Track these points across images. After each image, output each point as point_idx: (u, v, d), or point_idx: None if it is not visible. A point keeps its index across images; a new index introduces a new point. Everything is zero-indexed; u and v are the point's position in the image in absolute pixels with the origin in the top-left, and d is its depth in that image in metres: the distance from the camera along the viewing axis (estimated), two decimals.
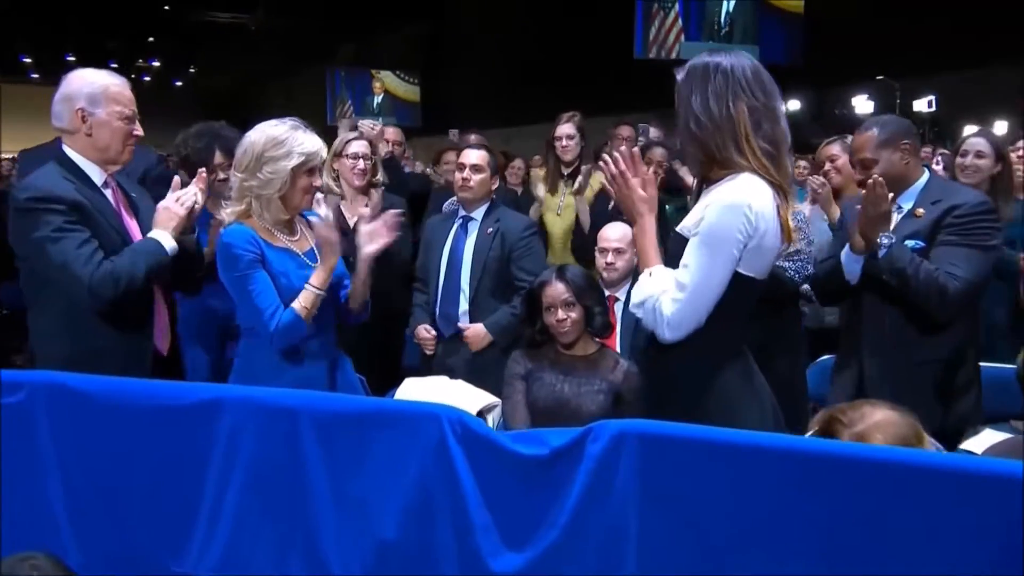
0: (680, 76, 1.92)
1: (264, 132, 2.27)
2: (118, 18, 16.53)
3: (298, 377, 2.23)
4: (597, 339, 2.69)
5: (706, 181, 1.97)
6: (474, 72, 16.48)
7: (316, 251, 2.35)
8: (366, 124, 4.18)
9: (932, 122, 11.63)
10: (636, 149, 2.00)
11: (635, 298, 1.96)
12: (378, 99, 18.13)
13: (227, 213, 2.31)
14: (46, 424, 1.93)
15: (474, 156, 3.32)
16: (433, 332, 3.31)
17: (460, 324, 3.26)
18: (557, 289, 2.64)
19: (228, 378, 2.35)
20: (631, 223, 2.00)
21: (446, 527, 1.72)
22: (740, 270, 1.87)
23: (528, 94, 15.06)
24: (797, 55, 12.16)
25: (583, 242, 3.82)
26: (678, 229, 1.96)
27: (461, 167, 3.32)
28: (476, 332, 3.24)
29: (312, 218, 2.31)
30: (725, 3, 12.45)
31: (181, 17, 17.69)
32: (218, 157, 2.97)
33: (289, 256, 2.30)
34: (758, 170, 1.86)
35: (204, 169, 2.53)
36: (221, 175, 2.91)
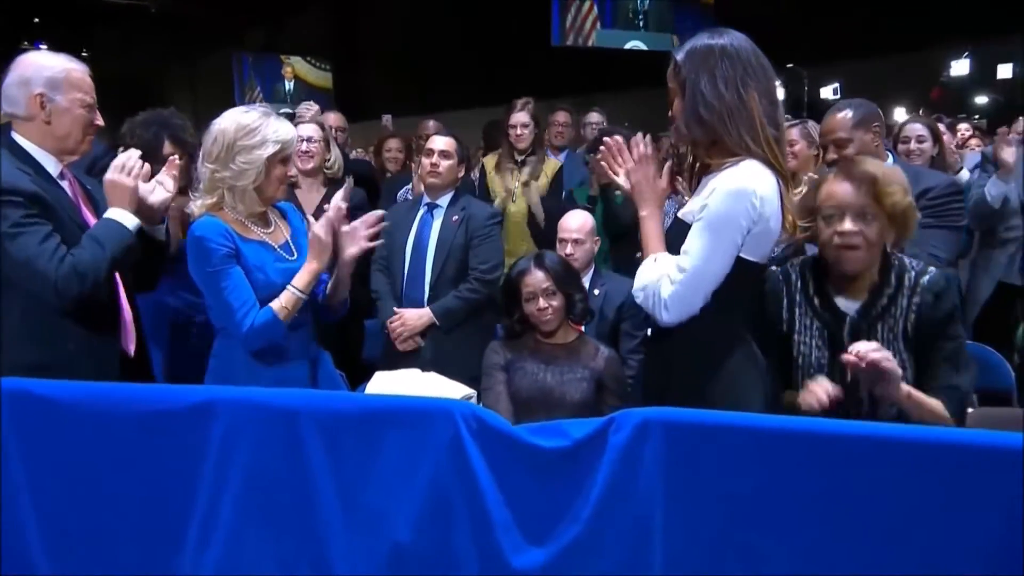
0: (679, 57, 1.90)
1: (235, 120, 2.15)
2: None
3: (278, 377, 2.12)
4: (575, 326, 2.66)
5: (704, 168, 1.96)
6: (388, 58, 16.20)
7: (291, 244, 2.24)
8: (304, 107, 4.04)
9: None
10: (650, 141, 1.98)
11: (637, 283, 1.95)
12: (289, 85, 17.69)
13: (197, 206, 2.17)
14: (13, 438, 1.78)
15: (442, 142, 3.25)
16: (403, 311, 3.20)
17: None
18: (536, 277, 2.60)
19: (203, 380, 2.21)
20: (638, 209, 1.98)
21: (464, 527, 1.66)
22: (743, 255, 1.87)
23: (444, 81, 14.92)
24: None
25: (538, 231, 3.79)
26: (680, 215, 1.95)
27: (429, 153, 3.24)
28: (415, 314, 3.17)
29: (310, 218, 2.21)
30: None
31: None
32: (167, 147, 2.80)
33: (264, 249, 2.18)
34: (768, 157, 1.86)
35: (175, 156, 2.37)
36: (178, 160, 2.73)
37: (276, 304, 2.12)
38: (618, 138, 2.08)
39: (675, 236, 1.93)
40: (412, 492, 1.70)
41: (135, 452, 1.77)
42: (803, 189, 2.04)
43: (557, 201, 3.86)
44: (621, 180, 2.05)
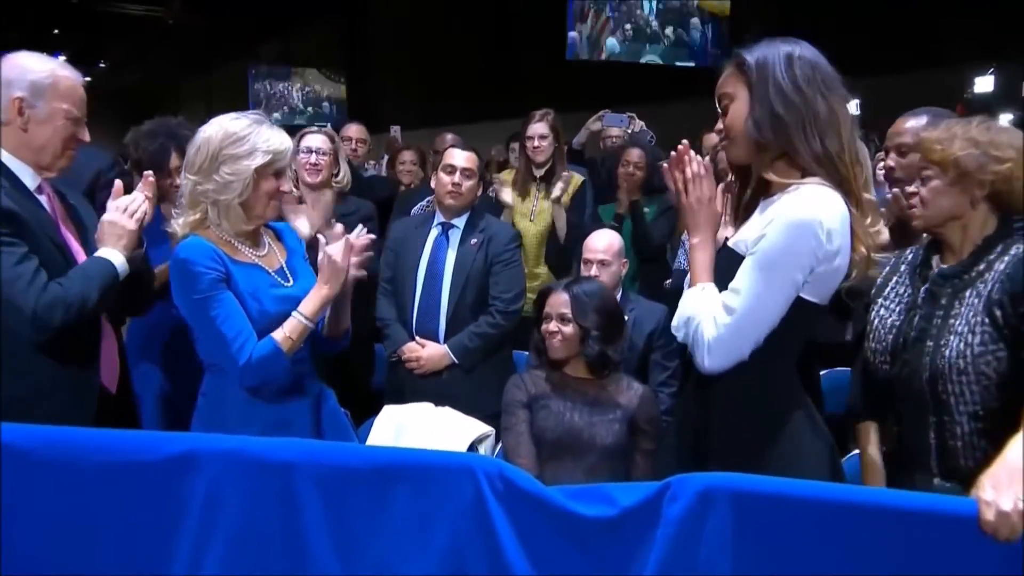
0: (751, 56, 1.62)
1: (222, 127, 1.89)
2: (20, 7, 15.38)
3: (277, 418, 1.86)
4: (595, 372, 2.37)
5: (763, 190, 1.68)
6: (401, 70, 16.01)
7: (285, 269, 1.97)
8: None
9: (859, 124, 11.79)
10: (707, 160, 1.70)
11: (678, 317, 1.66)
12: (301, 96, 17.54)
13: (179, 224, 1.91)
14: None
15: (464, 159, 2.93)
16: (425, 344, 2.91)
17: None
18: (559, 299, 2.34)
19: (190, 421, 1.95)
20: (690, 234, 1.70)
21: None
22: (804, 295, 1.58)
23: (455, 93, 14.70)
24: (723, 57, 12.26)
25: (558, 251, 3.51)
26: (731, 244, 1.66)
27: (450, 170, 2.92)
28: (435, 352, 2.89)
29: (320, 236, 1.93)
30: (654, 4, 12.48)
31: (90, 8, 16.62)
32: (175, 159, 2.55)
33: (257, 273, 1.92)
34: (845, 177, 1.58)
35: (150, 172, 2.12)
36: (178, 180, 2.49)
37: (279, 334, 1.86)
38: (715, 139, 1.82)
39: (724, 268, 1.64)
40: (424, 562, 1.44)
41: (106, 507, 1.51)
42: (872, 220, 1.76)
43: (579, 218, 3.59)
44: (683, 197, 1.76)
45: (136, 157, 2.69)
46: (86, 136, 2.01)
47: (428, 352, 2.89)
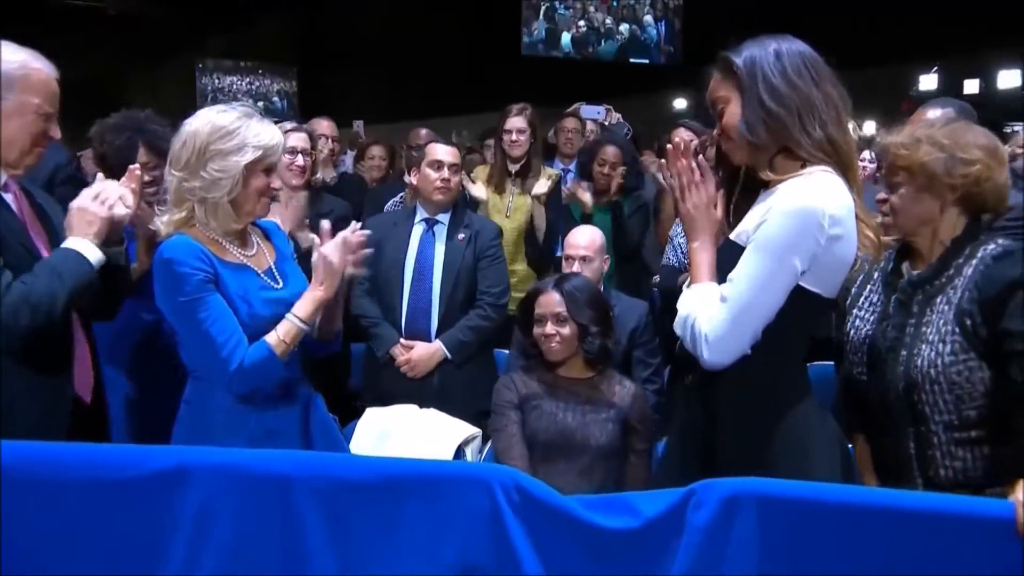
0: (738, 57, 1.58)
1: (209, 121, 1.78)
2: None
3: (266, 426, 1.76)
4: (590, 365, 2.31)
5: (762, 181, 1.64)
6: (354, 65, 15.77)
7: (274, 270, 1.87)
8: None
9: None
10: (703, 160, 1.65)
11: (678, 317, 1.61)
12: (252, 89, 17.16)
13: (163, 222, 1.80)
14: None
15: (449, 154, 2.88)
16: (412, 345, 2.83)
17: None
18: (551, 299, 2.27)
19: (171, 431, 1.84)
20: (689, 239, 1.64)
21: None
22: (805, 285, 1.53)
23: (411, 88, 14.54)
24: (676, 55, 12.35)
25: (538, 249, 3.44)
26: (732, 237, 1.61)
27: (436, 165, 2.85)
28: (425, 351, 2.81)
29: (313, 237, 1.82)
30: (610, 2, 12.51)
31: None
32: (142, 155, 2.40)
33: (247, 275, 1.81)
34: (845, 162, 1.55)
35: (136, 165, 1.99)
36: (146, 176, 2.36)
37: (272, 337, 1.75)
38: (686, 136, 1.76)
39: (726, 261, 1.60)
40: None
41: (91, 526, 1.41)
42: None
43: (556, 213, 3.52)
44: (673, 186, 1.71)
45: (101, 152, 2.54)
46: (57, 133, 1.87)
47: (418, 353, 2.81)
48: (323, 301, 1.80)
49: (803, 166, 1.56)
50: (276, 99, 16.76)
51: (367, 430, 2.40)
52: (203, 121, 1.78)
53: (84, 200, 1.81)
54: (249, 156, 1.76)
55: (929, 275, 1.72)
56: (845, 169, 1.56)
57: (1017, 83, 12.03)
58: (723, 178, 1.71)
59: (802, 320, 1.57)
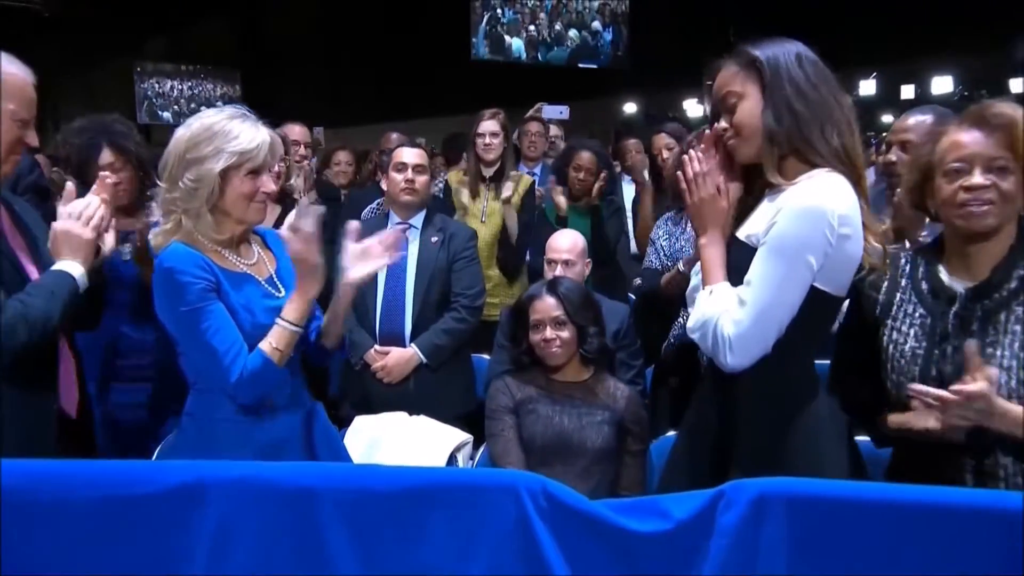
0: (761, 53, 1.60)
1: (190, 127, 1.75)
2: None
3: (271, 437, 1.72)
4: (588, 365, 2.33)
5: (768, 185, 1.66)
6: (299, 68, 15.55)
7: (275, 279, 1.83)
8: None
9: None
10: (701, 153, 1.67)
11: (693, 321, 1.63)
12: (194, 94, 16.78)
13: (155, 235, 1.77)
14: None
15: (414, 155, 2.87)
16: (387, 351, 2.81)
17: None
18: (547, 304, 2.27)
19: (170, 445, 1.79)
20: (698, 234, 1.66)
21: None
22: (816, 284, 1.56)
23: (360, 93, 14.41)
24: (624, 60, 12.49)
25: (510, 253, 3.44)
26: (743, 238, 1.64)
27: (401, 167, 2.85)
28: (401, 356, 2.79)
29: (284, 232, 1.76)
30: (557, 6, 12.58)
31: None
32: (106, 155, 2.35)
33: (249, 283, 1.77)
34: (856, 170, 1.58)
35: (106, 173, 1.94)
36: (111, 178, 2.30)
37: (266, 344, 1.71)
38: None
39: (737, 263, 1.62)
40: None
41: (102, 547, 1.35)
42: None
43: (530, 218, 3.53)
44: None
45: (65, 154, 2.49)
46: (34, 140, 1.81)
47: (393, 359, 2.79)
48: (310, 301, 1.76)
49: (811, 169, 1.59)
50: (220, 103, 16.44)
51: (356, 439, 2.37)
52: (185, 129, 1.76)
53: (66, 223, 1.77)
54: (223, 162, 1.71)
55: (989, 288, 1.58)
56: (855, 177, 1.58)
57: (950, 88, 12.49)
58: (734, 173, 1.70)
59: (814, 319, 1.59)
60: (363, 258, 1.79)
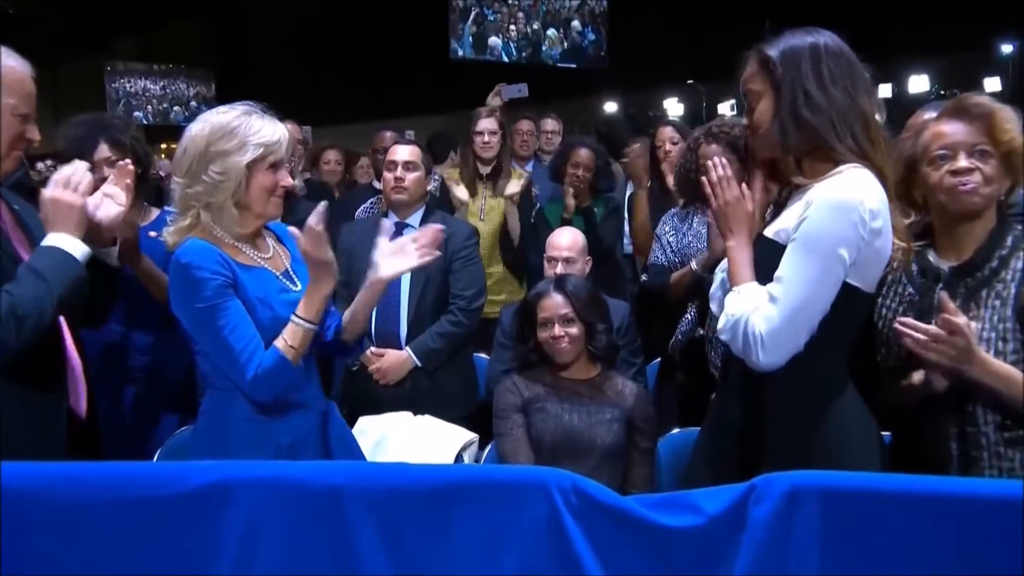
0: (774, 52, 1.61)
1: (208, 122, 1.74)
2: None
3: (290, 438, 1.72)
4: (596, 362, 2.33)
5: (794, 182, 1.68)
6: (274, 69, 15.46)
7: (291, 272, 1.83)
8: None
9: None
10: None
11: (722, 321, 1.63)
12: (164, 95, 16.59)
13: (169, 232, 1.74)
14: None
15: (405, 152, 2.85)
16: (382, 353, 2.80)
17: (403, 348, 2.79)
18: (554, 302, 2.27)
19: (177, 446, 1.77)
20: (725, 237, 1.67)
21: None
22: (850, 281, 1.57)
23: (338, 92, 14.36)
24: (605, 60, 12.53)
25: (513, 249, 3.44)
26: (770, 235, 1.65)
27: (391, 166, 2.84)
28: (396, 359, 2.78)
29: (293, 229, 1.75)
30: (536, 5, 12.59)
31: None
32: (103, 150, 2.33)
33: (266, 277, 1.76)
34: (880, 165, 1.59)
35: (127, 160, 1.92)
36: (106, 172, 2.28)
37: (280, 342, 1.70)
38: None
39: (765, 260, 1.62)
40: None
41: (122, 552, 1.33)
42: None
43: (527, 217, 3.53)
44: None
45: (61, 148, 2.47)
46: (35, 135, 1.78)
47: (388, 361, 2.77)
48: (325, 296, 1.75)
49: (836, 166, 1.59)
50: (194, 104, 16.30)
51: (362, 440, 2.34)
52: (202, 124, 1.74)
53: (55, 190, 1.71)
54: (250, 155, 1.71)
55: (973, 266, 1.69)
56: (881, 173, 1.59)
57: (926, 87, 12.68)
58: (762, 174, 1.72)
59: (846, 316, 1.59)
60: (397, 255, 1.77)
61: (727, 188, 1.66)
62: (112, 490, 1.34)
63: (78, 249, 1.69)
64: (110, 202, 1.82)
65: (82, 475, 1.35)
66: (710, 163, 1.67)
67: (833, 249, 1.53)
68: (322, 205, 1.78)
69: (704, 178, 1.68)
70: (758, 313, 1.56)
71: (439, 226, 1.86)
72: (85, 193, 1.73)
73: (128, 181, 1.83)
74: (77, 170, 1.75)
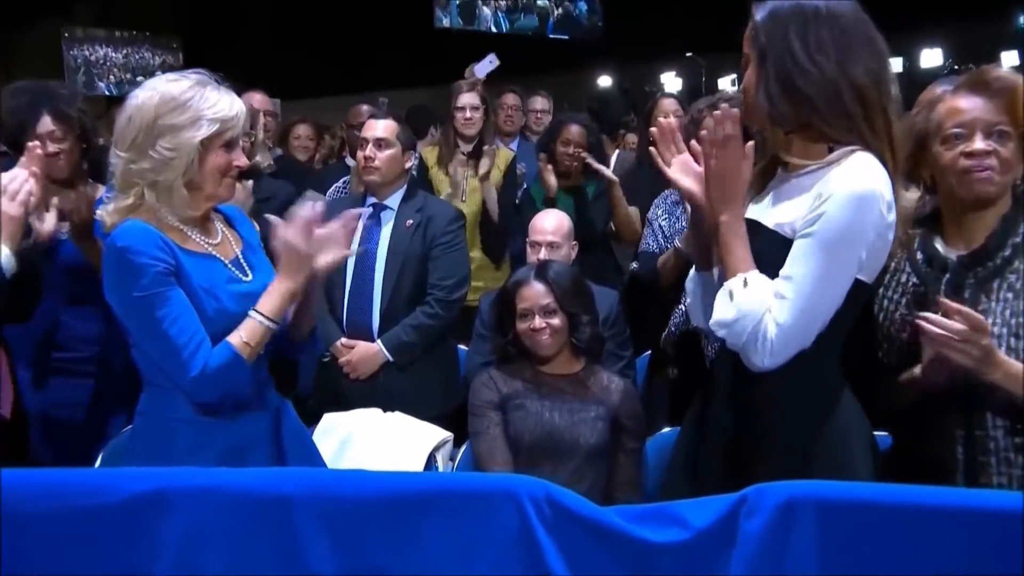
0: (759, 16, 1.54)
1: (157, 91, 1.64)
2: None
3: (235, 439, 1.65)
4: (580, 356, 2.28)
5: (782, 160, 1.60)
6: (246, 36, 15.29)
7: (242, 261, 1.75)
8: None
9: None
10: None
11: (723, 313, 1.51)
12: (127, 64, 16.37)
13: (107, 211, 1.66)
14: None
15: (380, 128, 2.77)
16: (353, 344, 2.74)
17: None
18: (535, 291, 2.21)
19: (118, 448, 1.71)
20: (716, 210, 1.54)
21: None
22: (860, 277, 1.50)
23: (314, 62, 14.22)
24: (599, 29, 12.44)
25: (493, 233, 3.38)
26: (772, 227, 1.56)
27: (363, 143, 2.76)
28: (366, 351, 2.72)
29: (275, 218, 1.68)
30: None
31: None
32: (46, 123, 2.25)
33: (213, 265, 1.69)
34: (883, 148, 1.51)
35: (36, 143, 1.86)
36: (51, 147, 2.21)
37: (235, 338, 1.63)
38: (673, 120, 1.70)
39: (769, 254, 1.52)
40: None
41: (55, 562, 1.28)
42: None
43: (512, 197, 3.47)
44: (674, 174, 1.64)
45: (2, 118, 2.38)
46: None
47: (358, 354, 2.71)
48: (290, 294, 1.68)
49: (830, 150, 1.52)
50: (159, 74, 16.04)
51: (326, 439, 2.30)
52: (150, 93, 1.65)
53: None
54: (204, 131, 1.63)
55: (984, 256, 1.63)
56: (882, 153, 1.50)
57: (939, 62, 12.65)
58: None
59: (846, 309, 1.52)
60: (330, 245, 1.70)
61: (727, 150, 1.51)
62: (45, 499, 1.29)
63: (7, 261, 1.68)
64: (50, 217, 1.77)
65: (13, 483, 1.29)
66: (709, 120, 1.53)
67: (853, 248, 1.46)
68: (320, 204, 1.72)
69: (702, 132, 1.54)
70: (769, 316, 1.48)
71: (359, 210, 1.78)
72: (24, 203, 1.68)
73: (36, 169, 1.75)
74: (16, 178, 1.71)
